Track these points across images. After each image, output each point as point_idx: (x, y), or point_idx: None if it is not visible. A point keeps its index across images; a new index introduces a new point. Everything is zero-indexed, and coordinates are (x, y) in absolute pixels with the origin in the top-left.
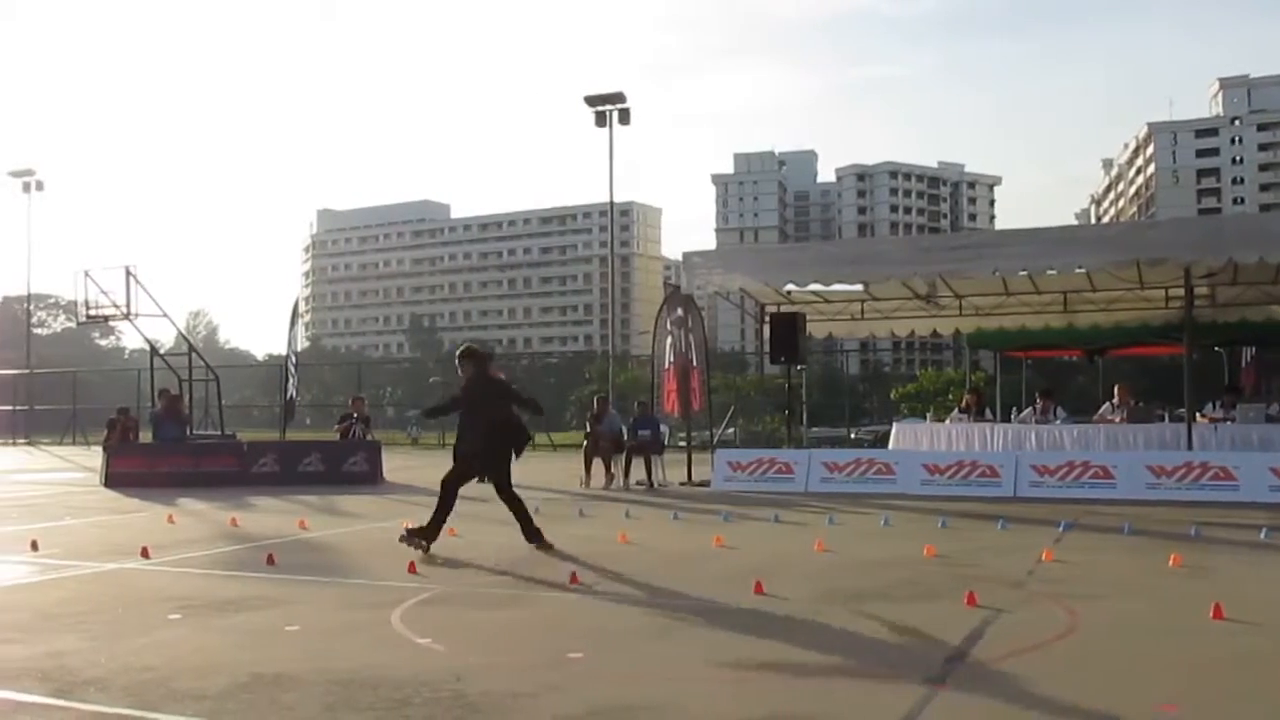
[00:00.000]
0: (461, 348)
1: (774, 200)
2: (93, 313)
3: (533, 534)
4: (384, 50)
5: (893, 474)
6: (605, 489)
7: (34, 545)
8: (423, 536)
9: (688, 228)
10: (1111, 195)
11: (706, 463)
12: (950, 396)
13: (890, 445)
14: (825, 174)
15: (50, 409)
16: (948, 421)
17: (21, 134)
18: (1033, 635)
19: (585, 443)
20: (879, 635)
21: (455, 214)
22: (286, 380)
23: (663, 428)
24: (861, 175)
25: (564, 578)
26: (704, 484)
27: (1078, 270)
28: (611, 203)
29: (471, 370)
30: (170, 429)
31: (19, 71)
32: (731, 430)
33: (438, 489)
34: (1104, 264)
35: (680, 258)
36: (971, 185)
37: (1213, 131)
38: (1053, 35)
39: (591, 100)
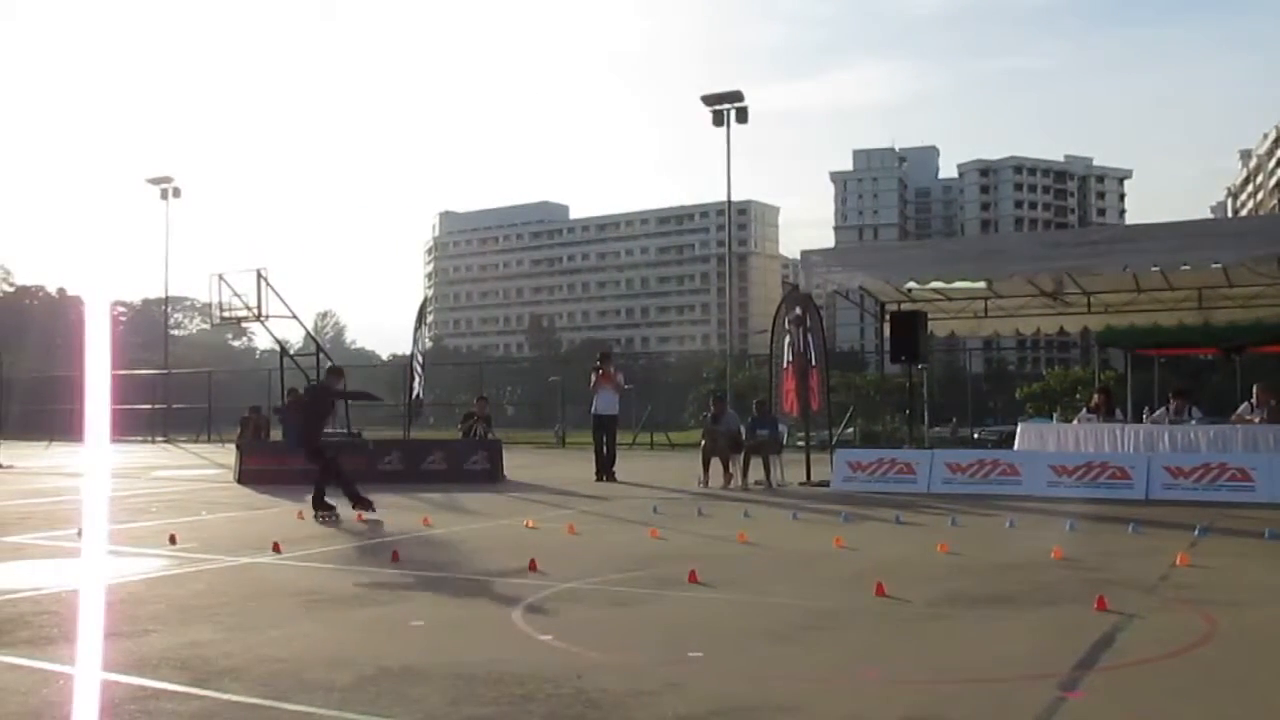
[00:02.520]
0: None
1: (894, 197)
2: (226, 315)
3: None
4: (506, 53)
5: (1018, 475)
6: (723, 489)
7: (172, 539)
8: (363, 507)
9: (806, 226)
10: (1250, 188)
11: (825, 463)
12: (1078, 396)
13: (1016, 445)
14: (947, 170)
15: (186, 408)
16: (1075, 422)
17: (159, 141)
18: (1167, 642)
19: (703, 442)
20: (1005, 640)
21: (574, 215)
22: (412, 380)
23: (781, 427)
24: (985, 170)
25: (684, 577)
26: (823, 484)
27: (1214, 266)
28: (729, 202)
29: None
30: (299, 426)
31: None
32: (851, 430)
33: (558, 487)
34: (1243, 258)
35: (798, 256)
36: (1100, 179)
37: None
38: (1181, 24)
39: (709, 99)
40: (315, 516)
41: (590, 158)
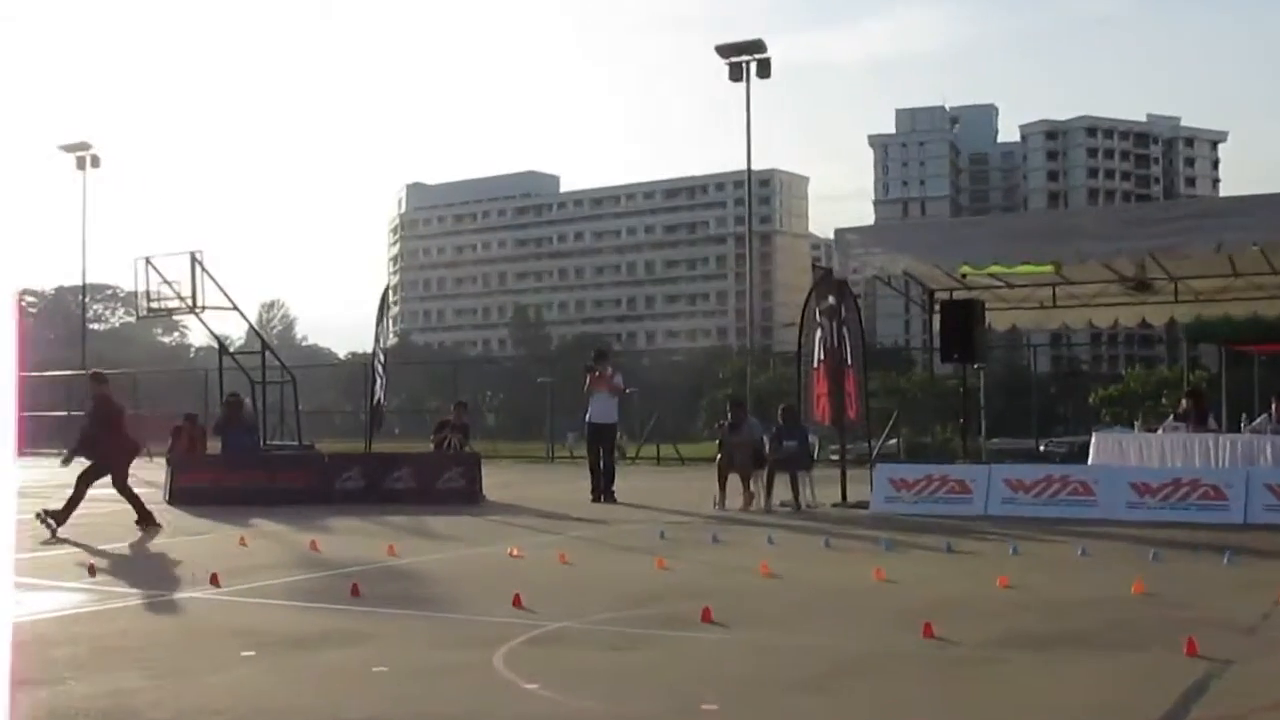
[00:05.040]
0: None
1: (945, 165)
2: (155, 305)
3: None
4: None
5: (1092, 495)
6: (743, 511)
7: (91, 570)
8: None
9: (840, 199)
10: None
11: (864, 480)
12: (1163, 401)
13: (1089, 460)
14: (1007, 132)
15: None
16: (1160, 431)
17: (75, 104)
18: (1271, 692)
19: (719, 456)
20: (1076, 690)
21: (565, 187)
22: (373, 382)
23: (811, 438)
24: (1052, 133)
25: (696, 615)
26: (861, 505)
27: None
28: (749, 171)
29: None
30: (240, 438)
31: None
32: (894, 441)
33: (547, 509)
34: None
35: (832, 235)
36: (1189, 142)
37: None
38: None
39: (724, 50)
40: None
41: (584, 120)
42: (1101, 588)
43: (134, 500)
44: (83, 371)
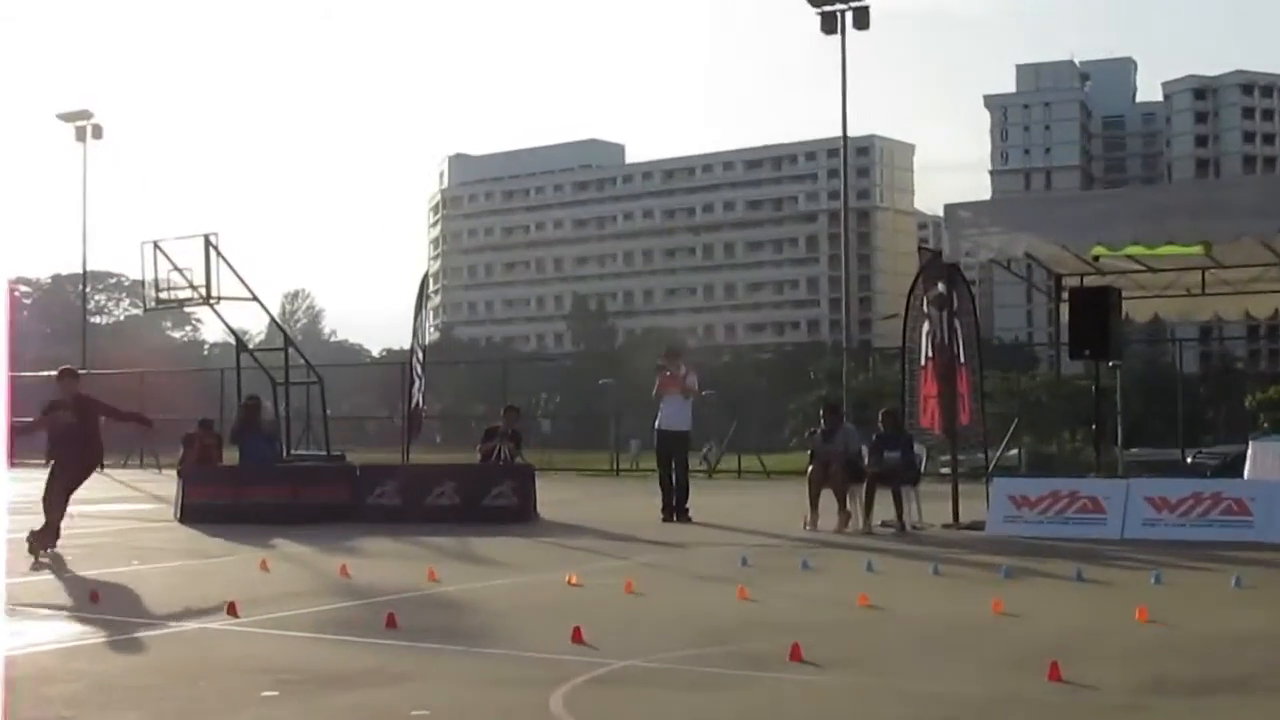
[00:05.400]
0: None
1: (1074, 129)
2: (164, 295)
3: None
4: None
5: (1248, 514)
6: (838, 532)
7: (94, 597)
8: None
9: (952, 170)
10: None
11: (979, 496)
12: None
13: (1245, 473)
14: (1148, 90)
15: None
16: None
17: (74, 68)
18: None
19: (810, 468)
20: None
21: (631, 158)
22: (411, 384)
23: (918, 448)
24: (1201, 91)
25: (783, 652)
26: (976, 526)
27: None
28: (845, 137)
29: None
30: (259, 447)
31: None
32: (1015, 452)
33: (611, 529)
34: None
35: (941, 212)
36: None
37: None
38: None
39: None
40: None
41: (652, 80)
42: (1263, 623)
43: (60, 515)
44: (82, 371)
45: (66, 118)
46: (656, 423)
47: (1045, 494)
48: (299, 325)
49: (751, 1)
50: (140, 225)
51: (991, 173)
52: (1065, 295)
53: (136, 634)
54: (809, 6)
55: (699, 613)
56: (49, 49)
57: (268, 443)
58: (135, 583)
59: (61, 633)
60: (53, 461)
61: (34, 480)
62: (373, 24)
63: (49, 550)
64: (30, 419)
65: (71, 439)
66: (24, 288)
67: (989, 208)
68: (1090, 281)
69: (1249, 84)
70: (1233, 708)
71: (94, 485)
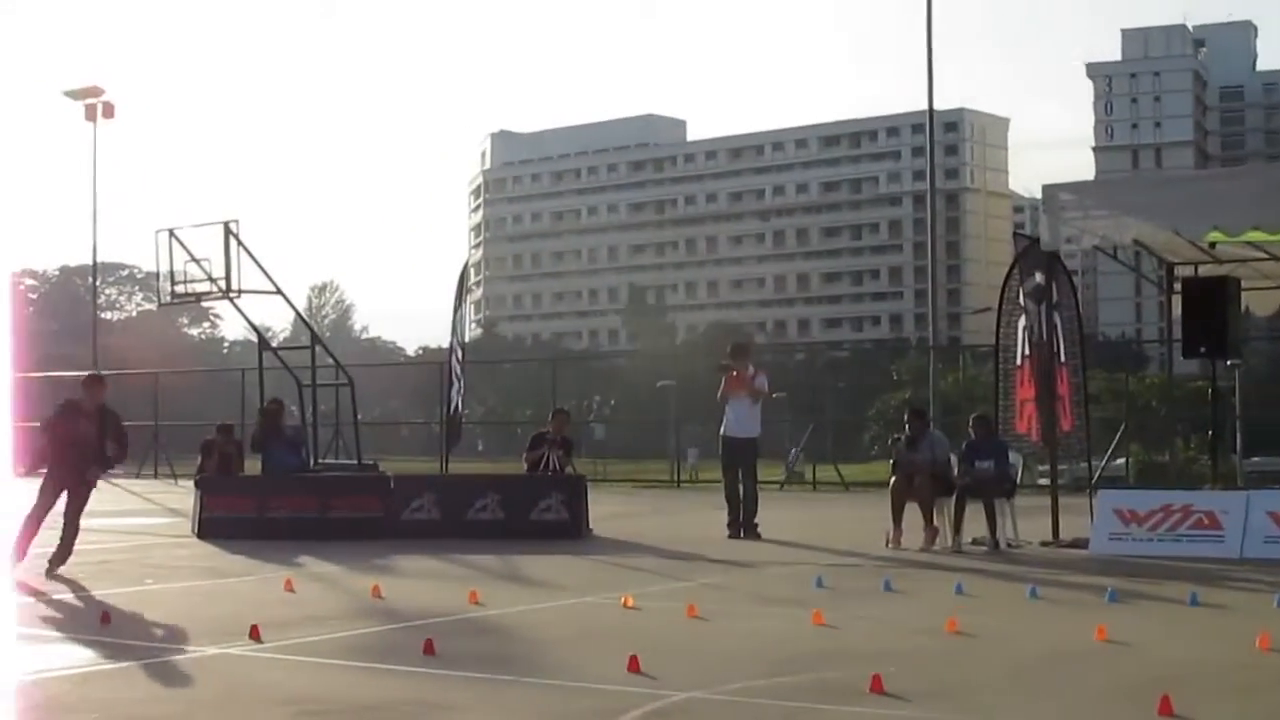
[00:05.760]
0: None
1: (1187, 100)
2: (180, 288)
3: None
4: None
5: None
6: (924, 550)
7: (105, 619)
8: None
9: (1050, 147)
10: None
11: (1082, 511)
12: None
13: None
14: (1269, 58)
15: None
16: None
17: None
18: None
19: (893, 480)
20: None
21: (693, 135)
22: (450, 385)
23: (1012, 457)
24: None
25: (862, 683)
26: (1078, 544)
27: None
28: (931, 111)
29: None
30: (283, 456)
31: None
32: (1121, 461)
33: (671, 547)
34: None
35: (1039, 194)
36: None
37: None
38: None
39: None
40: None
41: (718, 50)
42: None
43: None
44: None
45: (75, 95)
46: (722, 429)
47: (1156, 508)
48: (327, 321)
49: None
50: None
51: (1095, 150)
52: (1178, 286)
53: (153, 659)
54: None
55: (769, 640)
56: (57, 21)
57: (293, 450)
58: (150, 604)
59: (73, 658)
60: (57, 473)
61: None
62: None
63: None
64: (52, 422)
65: (86, 452)
66: (30, 281)
67: (1092, 189)
68: (1206, 271)
69: None
70: None
71: (105, 498)
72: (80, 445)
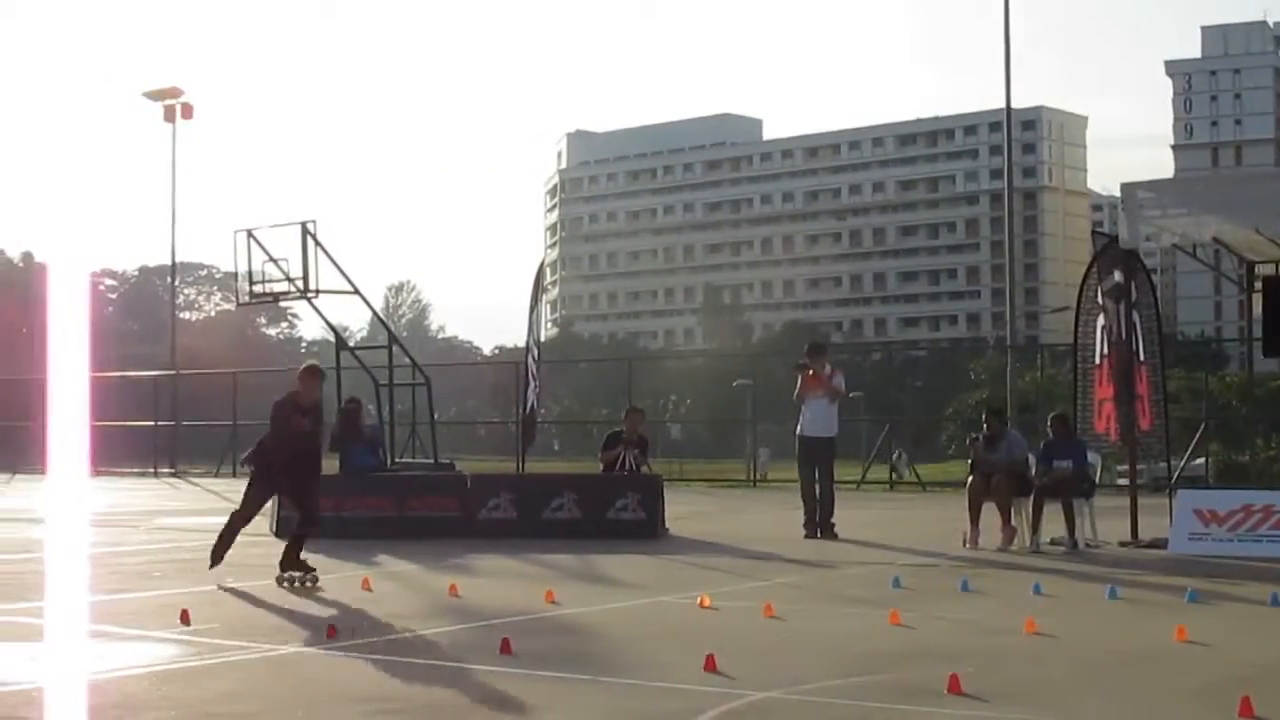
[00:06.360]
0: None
1: (1267, 98)
2: (258, 288)
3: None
4: None
5: None
6: (1002, 550)
7: (184, 617)
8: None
9: (1129, 145)
10: None
11: (1161, 511)
12: None
13: None
14: None
15: (201, 425)
16: None
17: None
18: None
19: (970, 479)
20: None
21: (769, 134)
22: (526, 385)
23: (1091, 457)
24: None
25: (940, 684)
26: (1157, 544)
27: None
28: (1009, 109)
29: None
30: (361, 455)
31: None
32: (1201, 461)
33: (747, 546)
34: None
35: (1118, 192)
36: None
37: None
38: None
39: None
40: (281, 580)
41: (794, 48)
42: None
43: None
44: (170, 371)
45: (154, 95)
46: (798, 428)
47: (1236, 508)
48: (404, 321)
49: None
50: (233, 213)
51: (1174, 148)
52: (1258, 284)
53: (230, 657)
54: None
55: (846, 639)
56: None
57: (370, 450)
58: (228, 602)
59: (151, 655)
60: (270, 477)
61: (119, 490)
62: None
63: (303, 575)
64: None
65: (308, 452)
66: (109, 281)
67: (1171, 187)
68: None
69: None
70: None
71: (185, 495)
72: (295, 446)
